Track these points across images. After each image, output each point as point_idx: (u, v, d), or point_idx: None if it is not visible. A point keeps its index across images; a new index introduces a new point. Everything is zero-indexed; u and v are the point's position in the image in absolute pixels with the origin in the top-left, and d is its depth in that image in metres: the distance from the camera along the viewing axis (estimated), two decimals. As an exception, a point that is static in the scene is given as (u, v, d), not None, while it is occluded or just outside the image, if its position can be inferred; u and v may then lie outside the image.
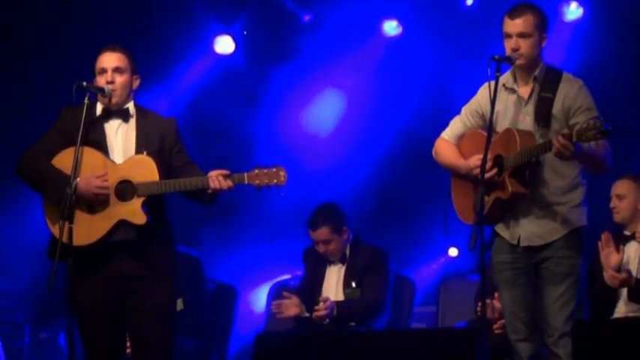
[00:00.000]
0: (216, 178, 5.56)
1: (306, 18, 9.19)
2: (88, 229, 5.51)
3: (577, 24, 8.55)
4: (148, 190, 5.53)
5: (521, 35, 5.48)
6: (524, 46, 5.48)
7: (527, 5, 5.56)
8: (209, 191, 5.59)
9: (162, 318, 5.60)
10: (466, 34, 8.56)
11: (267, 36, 9.09)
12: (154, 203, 5.59)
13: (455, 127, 5.76)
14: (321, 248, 7.33)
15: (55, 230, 5.51)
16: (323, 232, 7.30)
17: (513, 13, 5.52)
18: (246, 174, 5.62)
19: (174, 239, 5.77)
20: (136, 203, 5.53)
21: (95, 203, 5.52)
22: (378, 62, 9.02)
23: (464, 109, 5.74)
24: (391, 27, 9.09)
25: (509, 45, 5.50)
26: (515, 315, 5.58)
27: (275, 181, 5.62)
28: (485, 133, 5.49)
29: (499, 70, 5.39)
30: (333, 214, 7.36)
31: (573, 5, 8.60)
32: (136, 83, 5.74)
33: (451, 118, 5.86)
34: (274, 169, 5.62)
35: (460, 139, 5.73)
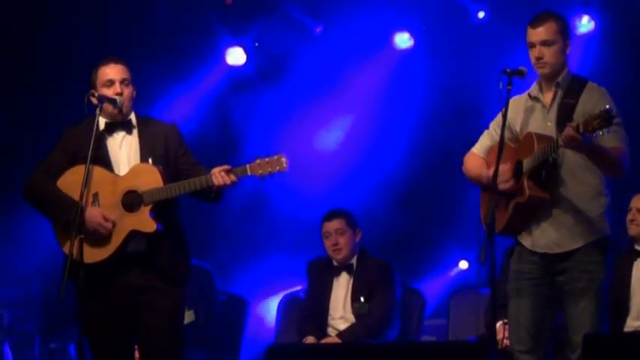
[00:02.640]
0: (219, 175, 5.51)
1: (318, 30, 9.20)
2: (101, 245, 5.50)
3: (589, 37, 8.54)
4: (153, 197, 5.51)
5: (544, 43, 5.46)
6: (548, 54, 5.46)
7: (549, 13, 5.54)
8: (214, 189, 5.55)
9: (171, 328, 5.58)
10: (478, 46, 8.56)
11: (279, 48, 9.09)
12: (163, 210, 5.57)
13: (483, 141, 5.74)
14: (332, 240, 7.29)
15: (67, 249, 5.47)
16: (338, 222, 7.32)
17: (535, 22, 5.50)
18: (248, 165, 5.56)
19: (187, 246, 5.72)
20: (144, 212, 5.52)
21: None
22: (389, 75, 9.02)
23: (492, 123, 5.72)
24: (402, 39, 9.08)
25: (533, 54, 5.48)
26: (522, 325, 5.47)
27: (277, 168, 5.53)
28: (512, 145, 5.51)
29: (511, 84, 5.35)
30: (350, 213, 7.43)
31: (585, 19, 8.60)
32: (134, 94, 5.72)
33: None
34: (275, 157, 5.54)
35: (488, 153, 5.70)
